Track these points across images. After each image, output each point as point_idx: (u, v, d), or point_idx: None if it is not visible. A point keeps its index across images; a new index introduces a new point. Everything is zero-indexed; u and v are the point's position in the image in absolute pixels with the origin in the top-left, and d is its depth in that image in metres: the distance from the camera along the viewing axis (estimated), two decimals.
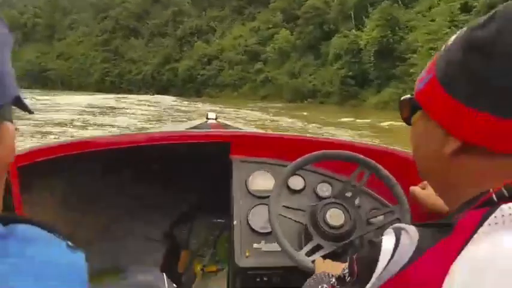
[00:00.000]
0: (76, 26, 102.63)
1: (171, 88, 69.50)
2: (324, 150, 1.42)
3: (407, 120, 0.68)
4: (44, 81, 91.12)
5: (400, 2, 38.92)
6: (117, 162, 1.67)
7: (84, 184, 1.69)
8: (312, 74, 51.42)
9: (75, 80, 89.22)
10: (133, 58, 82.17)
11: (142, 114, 24.30)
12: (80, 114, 19.91)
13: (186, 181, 1.82)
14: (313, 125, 18.38)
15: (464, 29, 0.61)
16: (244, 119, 22.28)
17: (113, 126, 15.46)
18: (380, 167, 1.41)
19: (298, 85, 51.11)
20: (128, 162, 1.71)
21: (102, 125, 15.58)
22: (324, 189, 1.60)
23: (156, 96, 60.26)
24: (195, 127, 2.48)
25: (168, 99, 50.50)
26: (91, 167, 1.64)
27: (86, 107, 27.06)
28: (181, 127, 2.57)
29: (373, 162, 1.42)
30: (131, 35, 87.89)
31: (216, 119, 2.87)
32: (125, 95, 62.67)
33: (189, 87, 66.52)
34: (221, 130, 2.01)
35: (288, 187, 1.57)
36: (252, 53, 61.58)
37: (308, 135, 1.95)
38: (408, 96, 0.68)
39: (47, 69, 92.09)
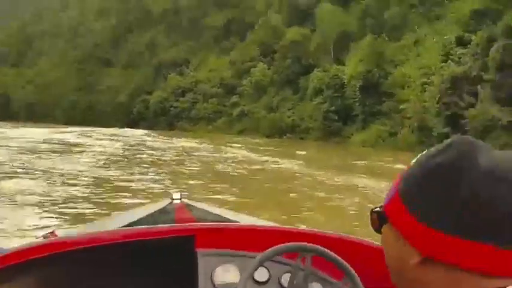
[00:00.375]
0: (47, 53, 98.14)
1: (142, 121, 65.55)
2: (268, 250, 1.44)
3: (377, 231, 0.72)
4: (8, 111, 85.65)
5: (384, 36, 36.77)
6: (80, 262, 1.68)
7: (50, 286, 1.66)
8: (291, 108, 48.65)
9: (42, 110, 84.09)
10: (105, 89, 78.10)
11: (103, 152, 20.49)
12: (20, 153, 15.90)
13: (152, 276, 1.76)
14: (329, 174, 14.29)
15: (425, 152, 0.66)
16: (233, 160, 18.72)
17: (54, 173, 11.66)
18: (318, 247, 1.49)
19: (276, 120, 48.18)
20: (92, 261, 1.68)
21: (35, 171, 11.75)
22: (288, 280, 1.56)
23: (125, 129, 56.22)
24: (159, 210, 2.28)
25: (138, 133, 46.60)
26: (56, 268, 1.62)
27: (41, 143, 23.08)
28: (145, 211, 2.30)
29: (312, 245, 1.49)
30: (104, 64, 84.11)
31: (180, 199, 2.52)
32: (93, 128, 58.30)
33: (161, 120, 62.76)
34: (184, 224, 1.75)
35: (253, 279, 1.57)
36: (228, 86, 58.67)
37: (275, 224, 1.85)
38: (377, 209, 0.71)
39: (11, 99, 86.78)
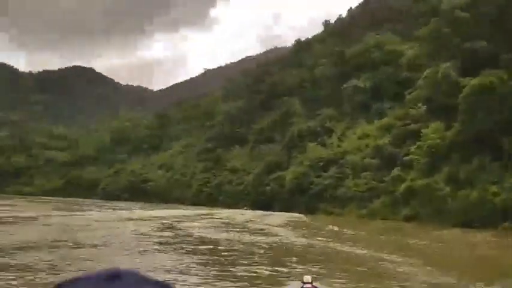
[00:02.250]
0: (182, 136, 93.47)
1: (275, 202, 51.87)
2: None
3: None
4: (143, 193, 79.66)
5: None
6: None
7: None
8: (496, 182, 30.67)
9: (173, 192, 76.24)
10: (235, 167, 67.48)
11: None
12: None
13: None
14: None
15: None
16: None
17: None
18: None
19: (475, 200, 30.29)
20: None
21: None
22: None
23: (255, 212, 42.81)
24: None
25: (276, 222, 31.62)
26: None
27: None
28: None
29: None
30: (235, 142, 74.63)
31: (311, 282, 3.11)
32: (218, 210, 46.16)
33: (298, 200, 48.33)
34: None
35: None
36: (385, 156, 42.71)
37: None
38: None
39: (146, 181, 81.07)
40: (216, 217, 30.66)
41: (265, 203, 52.74)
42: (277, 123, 64.85)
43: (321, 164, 47.38)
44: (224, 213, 38.00)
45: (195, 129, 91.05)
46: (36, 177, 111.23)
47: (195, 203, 67.16)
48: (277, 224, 27.35)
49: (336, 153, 47.46)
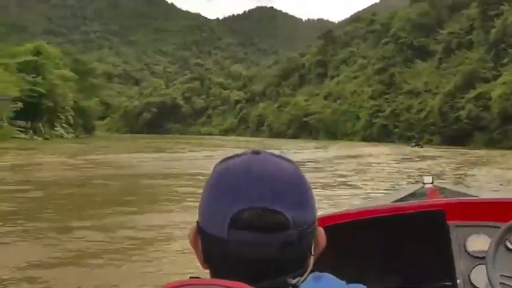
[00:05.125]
0: (353, 59, 78.56)
1: (475, 133, 34.68)
2: None
3: None
4: (307, 128, 69.47)
5: None
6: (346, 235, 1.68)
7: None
8: None
9: (340, 125, 63.71)
10: (417, 88, 50.70)
11: None
12: None
13: (411, 243, 1.84)
14: None
15: None
16: None
17: None
18: None
19: None
20: (370, 228, 1.78)
21: None
22: None
23: (444, 152, 27.61)
24: (412, 194, 2.41)
25: None
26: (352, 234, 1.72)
27: None
28: (399, 195, 2.42)
29: None
30: (416, 56, 56.83)
31: (432, 183, 2.59)
32: (379, 148, 32.15)
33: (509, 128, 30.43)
34: (433, 200, 1.91)
35: (506, 247, 1.47)
36: None
37: None
38: None
39: (309, 114, 70.12)
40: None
41: (459, 135, 36.09)
42: (475, 20, 44.88)
43: None
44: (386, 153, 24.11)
45: (369, 49, 74.87)
46: (214, 117, 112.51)
47: (365, 137, 53.70)
48: None
49: None
